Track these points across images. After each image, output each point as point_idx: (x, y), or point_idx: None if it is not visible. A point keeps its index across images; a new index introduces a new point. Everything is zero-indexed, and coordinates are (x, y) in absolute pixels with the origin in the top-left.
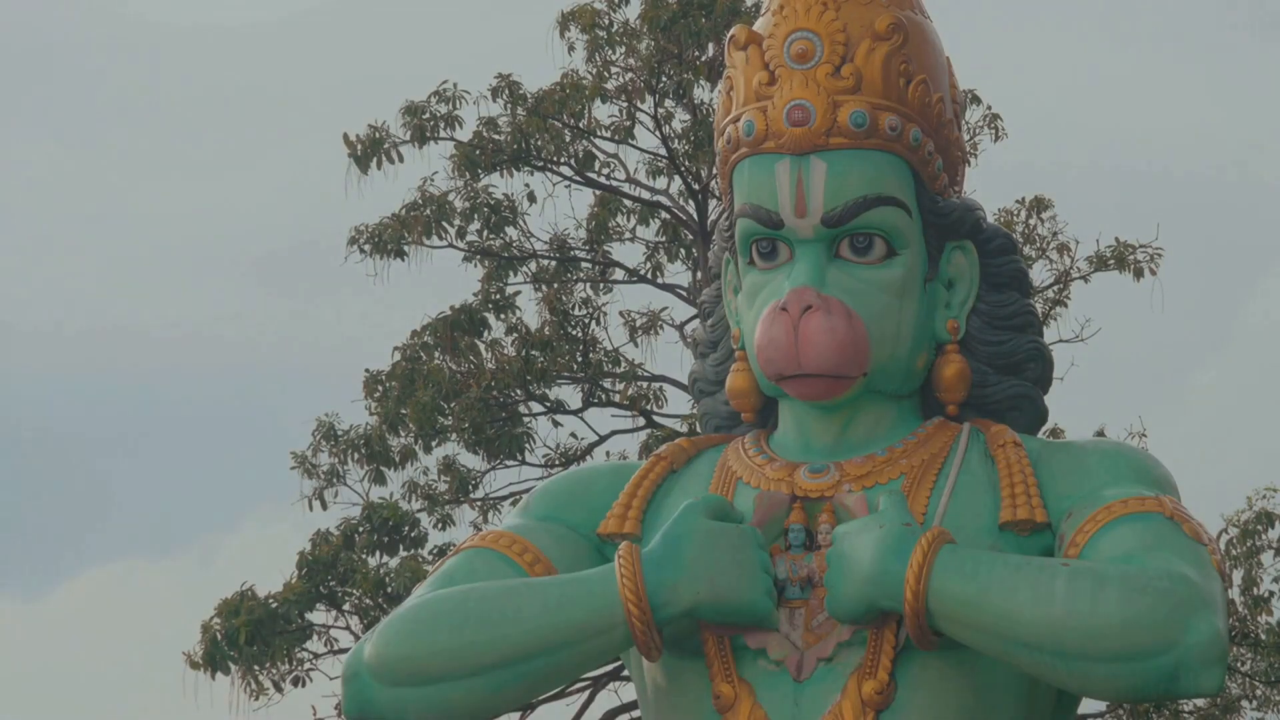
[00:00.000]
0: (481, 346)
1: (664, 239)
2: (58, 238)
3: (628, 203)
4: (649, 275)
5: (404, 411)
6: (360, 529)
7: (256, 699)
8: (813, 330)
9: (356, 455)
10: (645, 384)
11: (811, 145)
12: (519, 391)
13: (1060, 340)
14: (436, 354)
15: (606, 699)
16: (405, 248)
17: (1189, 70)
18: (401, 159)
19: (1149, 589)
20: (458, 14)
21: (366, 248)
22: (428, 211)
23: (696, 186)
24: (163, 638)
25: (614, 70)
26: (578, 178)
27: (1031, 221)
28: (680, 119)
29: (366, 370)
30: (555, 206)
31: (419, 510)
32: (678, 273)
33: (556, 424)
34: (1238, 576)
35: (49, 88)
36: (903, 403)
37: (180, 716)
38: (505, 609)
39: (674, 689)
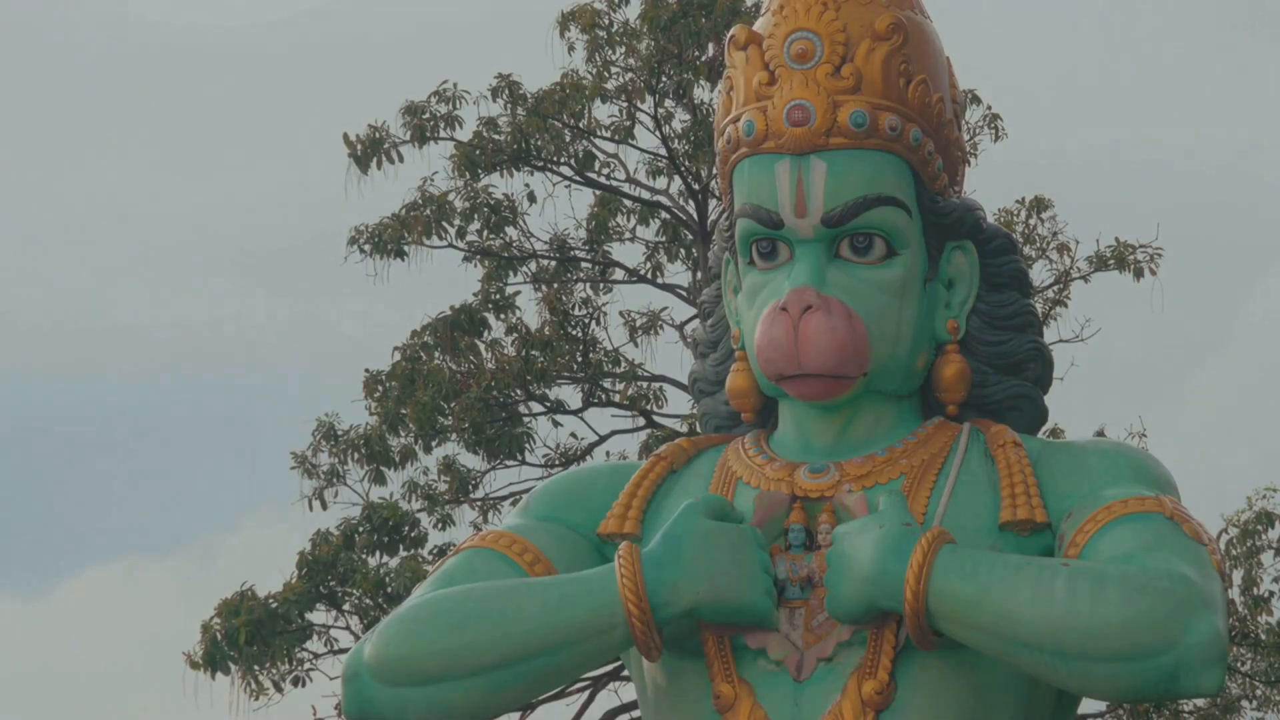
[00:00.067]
0: (481, 346)
1: (664, 239)
2: (57, 237)
3: (628, 203)
4: (649, 275)
5: (404, 411)
6: (360, 529)
7: (256, 699)
8: (813, 330)
9: (356, 455)
10: (645, 384)
11: (811, 145)
12: (519, 391)
13: (1060, 340)
14: (436, 354)
15: (606, 699)
16: (405, 248)
17: (1189, 70)
18: (401, 159)
19: (1149, 589)
20: (458, 14)
21: (366, 248)
22: (428, 211)
23: (696, 186)
24: (163, 638)
25: (614, 70)
26: (578, 178)
27: (1031, 221)
28: (680, 119)
29: (366, 370)
30: (555, 206)
31: (419, 510)
32: (678, 273)
33: (556, 424)
34: (1238, 576)
35: (49, 88)
36: (903, 403)
37: (180, 716)
38: (505, 609)
39: (674, 689)
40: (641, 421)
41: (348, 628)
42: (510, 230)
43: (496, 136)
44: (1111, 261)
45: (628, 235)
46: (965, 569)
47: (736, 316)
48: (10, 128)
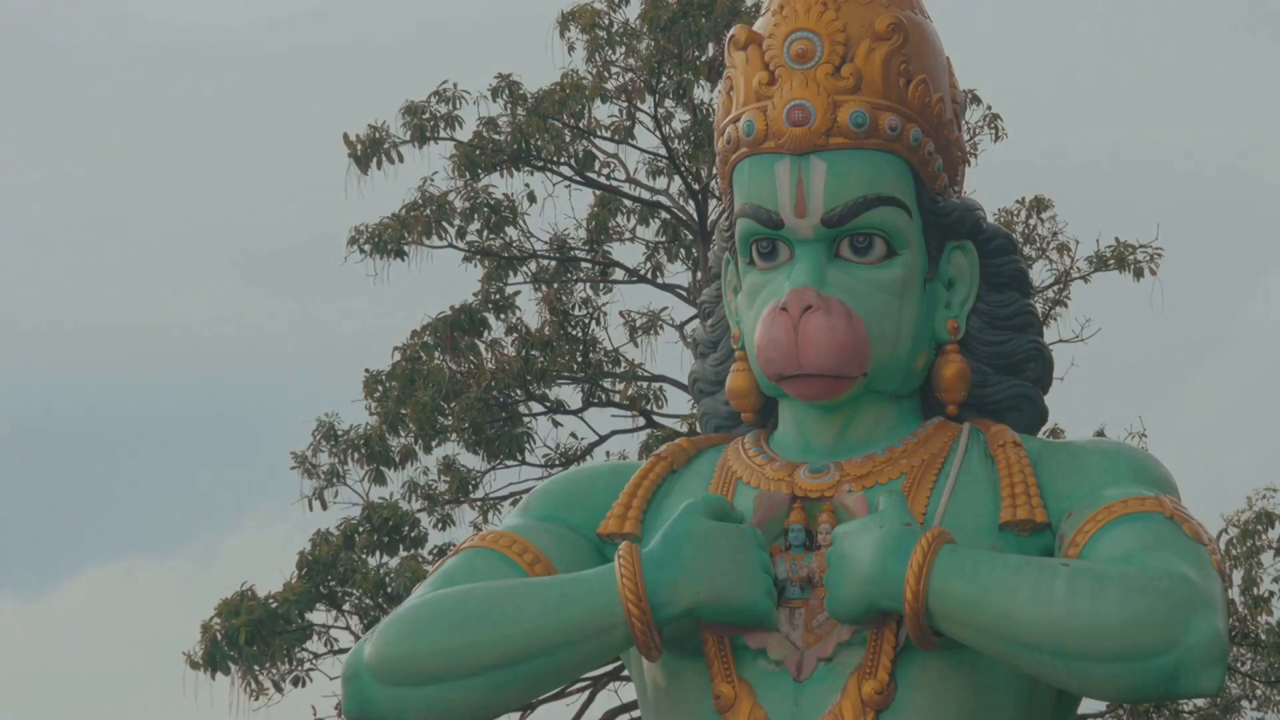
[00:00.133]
0: (481, 346)
1: (664, 239)
2: (57, 236)
3: (628, 203)
4: (649, 275)
5: (404, 411)
6: (360, 529)
7: (256, 699)
8: (813, 330)
9: (356, 455)
10: (645, 384)
11: (811, 145)
12: (519, 391)
13: (1060, 340)
14: (436, 354)
15: (606, 699)
16: (405, 248)
17: (1189, 70)
18: (401, 159)
19: (1149, 589)
20: (458, 14)
21: (366, 248)
22: (428, 211)
23: (696, 186)
24: (163, 638)
25: (614, 70)
26: (578, 178)
27: (1031, 221)
28: (680, 119)
29: (366, 370)
30: (555, 206)
31: (419, 510)
32: (678, 273)
33: (556, 424)
34: (1238, 576)
35: (49, 88)
36: (903, 403)
37: (180, 716)
38: (505, 609)
39: (674, 689)
40: (641, 421)
41: (348, 628)
42: (510, 230)
43: (496, 136)
44: (1111, 261)
45: (628, 235)
46: (965, 569)
47: (736, 316)
48: (10, 128)
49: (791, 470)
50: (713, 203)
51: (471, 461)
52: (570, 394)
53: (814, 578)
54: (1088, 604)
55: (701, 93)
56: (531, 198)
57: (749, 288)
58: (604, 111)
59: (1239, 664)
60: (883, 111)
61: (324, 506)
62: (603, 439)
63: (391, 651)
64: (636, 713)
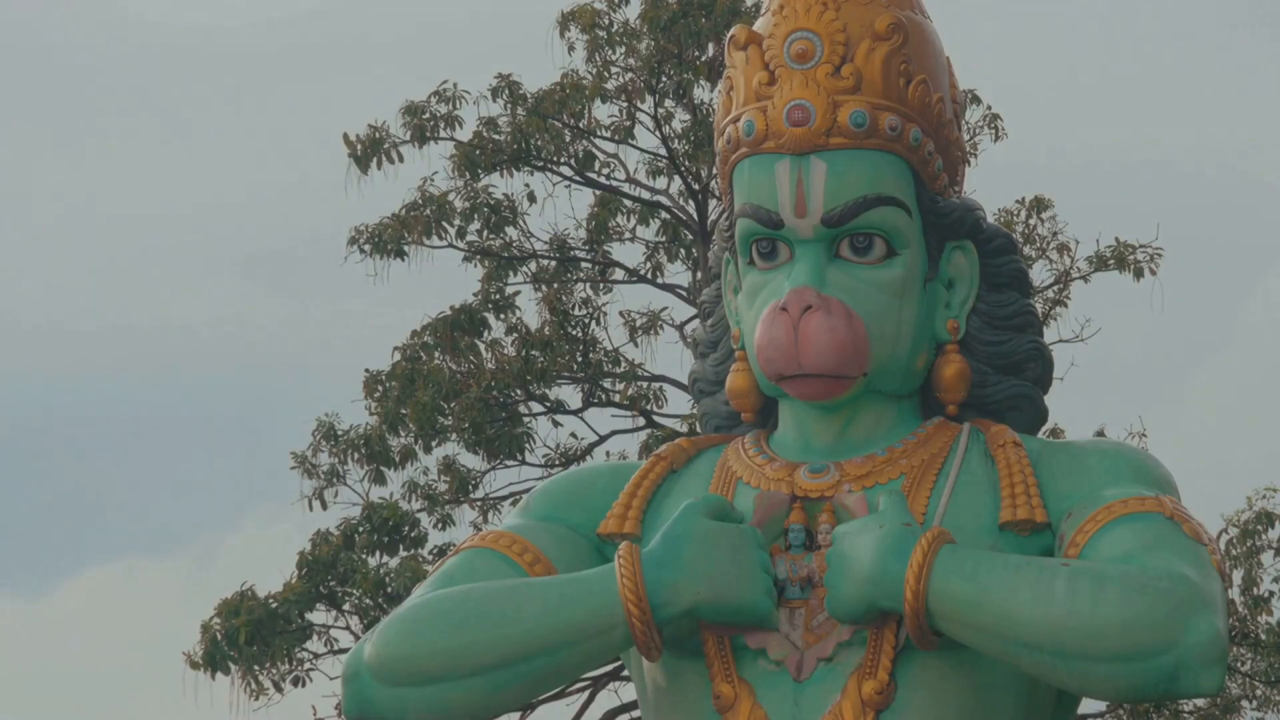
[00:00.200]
0: (481, 346)
1: (664, 239)
2: (57, 236)
3: (628, 203)
4: (649, 275)
5: (404, 411)
6: (360, 529)
7: (256, 699)
8: (813, 330)
9: (356, 455)
10: (645, 384)
11: (811, 145)
12: (519, 391)
13: (1060, 340)
14: (436, 354)
15: (606, 699)
16: (405, 248)
17: (1189, 70)
18: (401, 159)
19: (1149, 589)
20: (458, 14)
21: (366, 248)
22: (428, 211)
23: (696, 186)
24: (163, 638)
25: (614, 70)
26: (578, 178)
27: (1031, 221)
28: (680, 119)
29: (366, 370)
30: (555, 206)
31: (419, 510)
32: (678, 273)
33: (556, 424)
34: (1238, 576)
35: (48, 87)
36: (903, 403)
37: (180, 716)
38: (505, 609)
39: (674, 689)
40: (641, 421)
41: (348, 628)
42: (510, 230)
43: (496, 136)
44: (1111, 261)
45: (628, 235)
46: (965, 569)
47: (736, 316)
48: (10, 128)
49: (791, 470)
50: (713, 203)
51: (471, 461)
52: (570, 394)
53: (814, 578)
54: (1088, 604)
55: (701, 93)
56: (531, 198)
57: (749, 288)
58: (604, 111)
59: (1239, 664)
60: (883, 111)
61: (324, 506)
62: (603, 439)
63: (391, 651)
64: (636, 713)
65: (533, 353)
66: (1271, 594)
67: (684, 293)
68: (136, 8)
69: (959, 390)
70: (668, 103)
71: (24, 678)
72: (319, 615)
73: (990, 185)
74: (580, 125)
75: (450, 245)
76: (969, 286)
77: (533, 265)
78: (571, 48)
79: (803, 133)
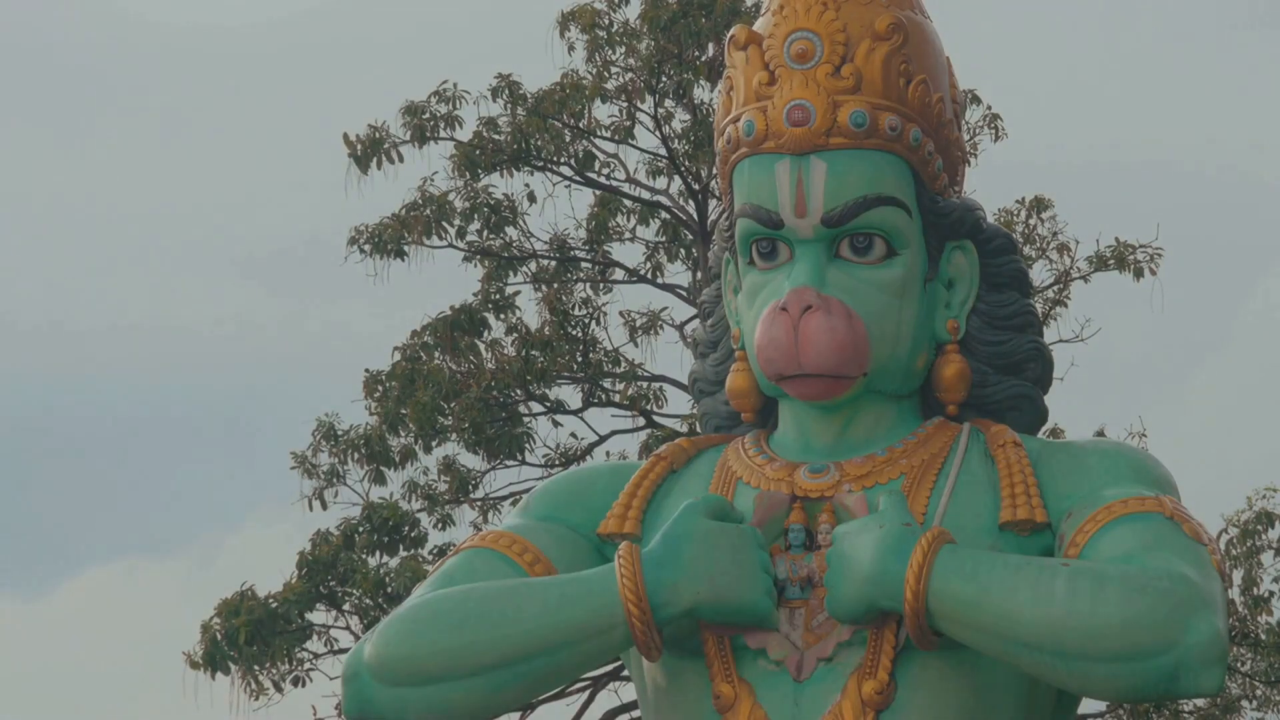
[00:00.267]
0: (481, 346)
1: (664, 239)
2: (57, 236)
3: (628, 203)
4: (649, 275)
5: (404, 411)
6: (360, 529)
7: (256, 699)
8: (813, 330)
9: (356, 455)
10: (645, 384)
11: (811, 145)
12: (519, 391)
13: (1060, 340)
14: (436, 354)
15: (606, 699)
16: (405, 248)
17: (1190, 70)
18: (401, 159)
19: (1149, 589)
20: (458, 14)
21: (366, 248)
22: (428, 211)
23: (696, 186)
24: (163, 638)
25: (614, 70)
26: (578, 178)
27: (1031, 221)
28: (680, 119)
29: (366, 370)
30: (555, 206)
31: (419, 510)
32: (678, 273)
33: (556, 424)
34: (1238, 576)
35: (48, 87)
36: (903, 403)
37: (180, 716)
38: (505, 609)
39: (674, 689)
40: (641, 421)
41: (348, 628)
42: (510, 230)
43: (496, 136)
44: (1111, 261)
45: (628, 235)
46: (965, 569)
47: (736, 316)
48: (10, 127)
49: (791, 470)
50: (713, 203)
51: (471, 461)
52: (570, 394)
53: (814, 578)
54: (1088, 604)
55: (701, 93)
56: (531, 198)
57: (749, 288)
58: (604, 111)
59: (1239, 664)
60: (883, 111)
61: (324, 506)
62: (603, 439)
63: (391, 651)
64: (636, 713)
65: (533, 353)
66: (1271, 594)
67: (684, 293)
68: (136, 8)
69: (959, 390)
70: (668, 103)
71: (24, 678)
72: (319, 615)
73: (990, 185)
74: (580, 125)
75: (450, 245)
76: (969, 286)
77: (533, 265)
78: (571, 48)
79: (803, 133)
